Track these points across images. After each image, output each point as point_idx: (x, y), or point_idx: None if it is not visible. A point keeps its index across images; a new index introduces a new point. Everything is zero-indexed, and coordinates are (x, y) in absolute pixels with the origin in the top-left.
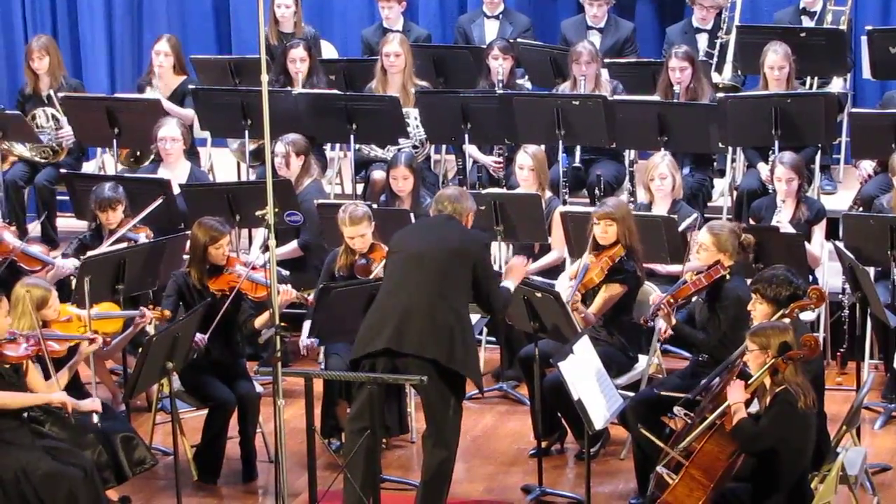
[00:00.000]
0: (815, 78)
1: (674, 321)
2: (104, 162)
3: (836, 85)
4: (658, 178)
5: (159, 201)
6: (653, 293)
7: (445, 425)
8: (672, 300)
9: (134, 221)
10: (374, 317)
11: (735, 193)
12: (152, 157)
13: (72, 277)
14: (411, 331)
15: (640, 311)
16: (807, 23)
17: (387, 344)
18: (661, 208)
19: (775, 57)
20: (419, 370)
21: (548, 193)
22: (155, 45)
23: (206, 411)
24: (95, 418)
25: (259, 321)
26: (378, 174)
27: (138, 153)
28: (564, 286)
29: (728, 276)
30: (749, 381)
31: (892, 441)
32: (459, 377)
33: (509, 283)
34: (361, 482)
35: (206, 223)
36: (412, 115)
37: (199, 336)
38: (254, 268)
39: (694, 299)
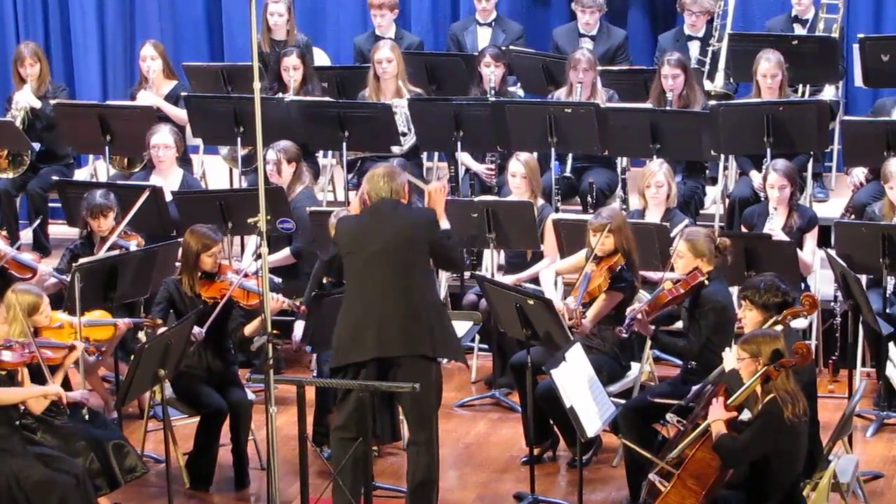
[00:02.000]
0: (807, 86)
1: (651, 330)
2: (96, 169)
3: (829, 93)
4: (654, 185)
5: (144, 197)
6: (645, 299)
7: (432, 426)
8: (648, 309)
9: (123, 224)
10: (350, 324)
11: (727, 201)
12: (143, 163)
13: (62, 284)
14: (394, 333)
15: None
16: (799, 30)
17: (374, 354)
18: (654, 215)
19: (768, 65)
20: (409, 367)
21: (540, 201)
22: (140, 52)
23: (198, 419)
24: (84, 410)
25: (249, 329)
26: None
27: (126, 160)
28: (550, 276)
29: (707, 282)
30: (740, 391)
31: (884, 449)
32: (438, 375)
33: (444, 222)
34: (350, 490)
35: (199, 231)
36: (402, 104)
37: (196, 329)
38: (245, 275)
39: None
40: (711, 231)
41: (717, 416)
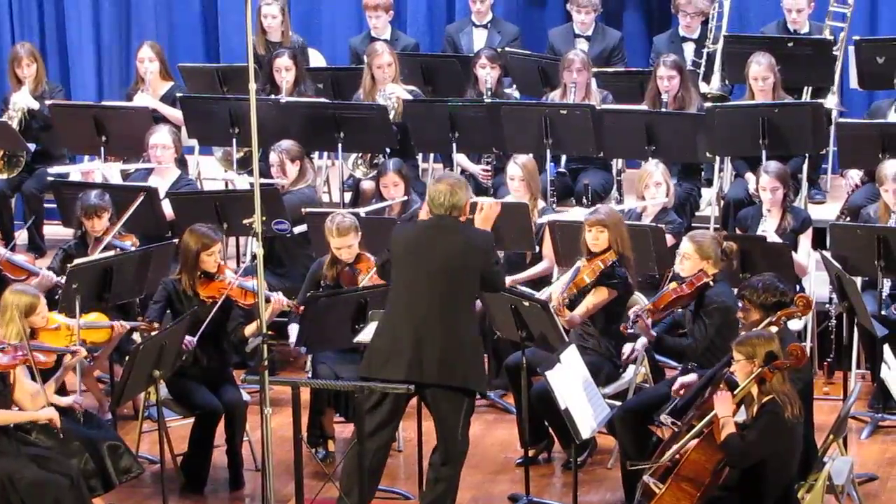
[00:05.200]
0: (809, 89)
1: (653, 333)
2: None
3: (831, 102)
4: (653, 185)
5: (140, 200)
6: (641, 301)
7: (458, 443)
8: (653, 308)
9: (118, 225)
10: (387, 336)
11: (722, 203)
12: (139, 162)
13: (58, 287)
14: (429, 359)
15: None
16: None
17: (406, 375)
18: (652, 216)
19: (759, 68)
20: (441, 397)
21: (541, 203)
22: (138, 54)
23: (192, 419)
24: (78, 414)
25: (249, 329)
26: (367, 184)
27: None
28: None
29: (712, 284)
30: (736, 392)
31: (879, 451)
32: (472, 393)
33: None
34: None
35: (198, 230)
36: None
37: (187, 338)
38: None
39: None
40: (719, 234)
41: (725, 412)
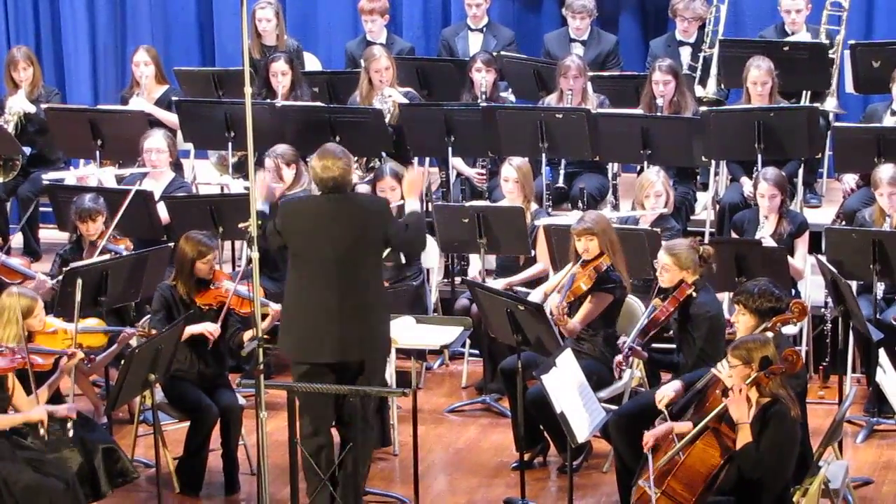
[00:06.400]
0: (808, 93)
1: (645, 354)
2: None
3: (830, 104)
4: (654, 195)
5: (131, 195)
6: (634, 305)
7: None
8: (644, 332)
9: (112, 226)
10: (304, 315)
11: (717, 207)
12: (135, 166)
13: (54, 290)
14: (354, 338)
15: (623, 326)
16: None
17: (332, 357)
18: (651, 222)
19: (758, 73)
20: (370, 369)
21: (534, 206)
22: (133, 57)
23: (188, 423)
24: (70, 424)
25: (247, 335)
26: (363, 188)
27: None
28: (539, 297)
29: (695, 294)
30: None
31: (874, 455)
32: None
33: (413, 203)
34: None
35: (194, 237)
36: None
37: (212, 326)
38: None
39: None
40: (694, 241)
41: (742, 416)
